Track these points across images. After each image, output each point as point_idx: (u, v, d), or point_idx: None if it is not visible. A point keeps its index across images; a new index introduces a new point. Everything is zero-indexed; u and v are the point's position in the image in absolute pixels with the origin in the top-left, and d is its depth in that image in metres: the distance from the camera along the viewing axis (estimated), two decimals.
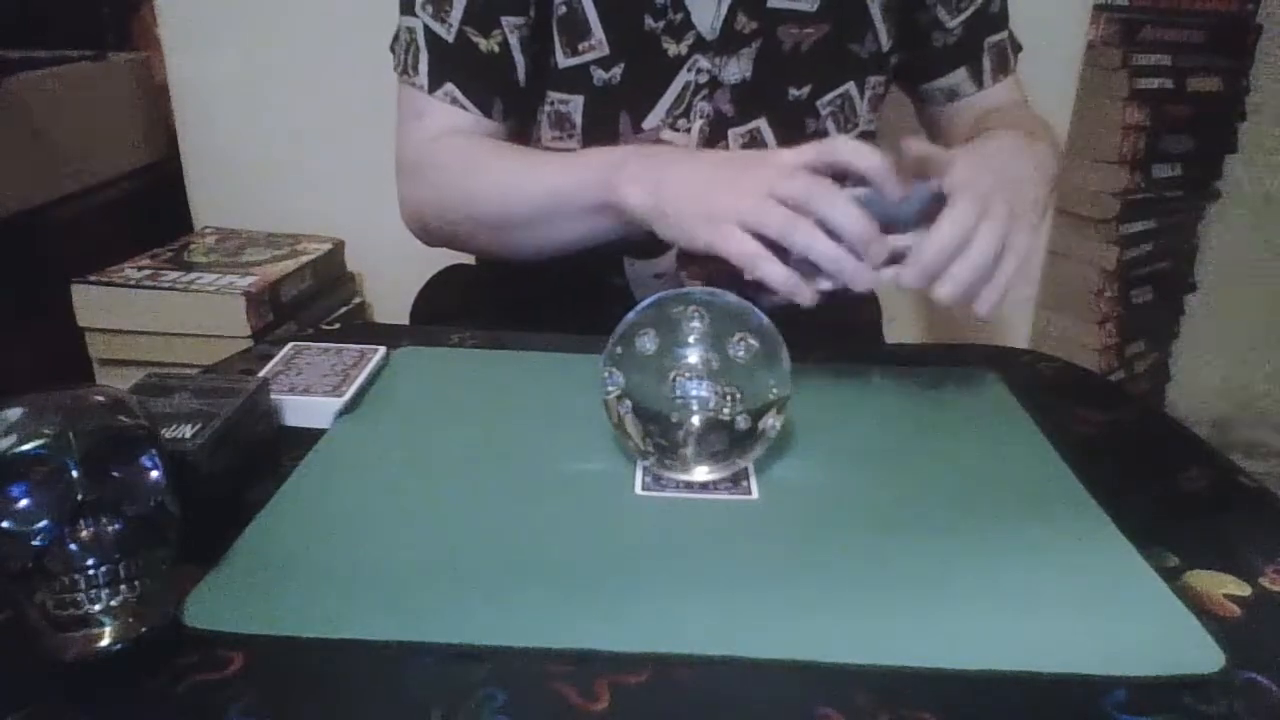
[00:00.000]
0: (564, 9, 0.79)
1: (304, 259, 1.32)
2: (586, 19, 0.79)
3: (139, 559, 0.41)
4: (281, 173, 1.43)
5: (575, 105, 0.82)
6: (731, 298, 0.57)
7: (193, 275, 1.22)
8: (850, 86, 0.84)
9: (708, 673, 0.41)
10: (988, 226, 0.58)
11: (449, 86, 0.80)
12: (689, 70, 0.80)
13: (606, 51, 0.80)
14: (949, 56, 0.88)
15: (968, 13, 0.86)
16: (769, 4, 0.79)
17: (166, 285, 1.19)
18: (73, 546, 0.40)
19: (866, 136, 0.88)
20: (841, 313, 0.75)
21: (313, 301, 1.33)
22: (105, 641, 0.40)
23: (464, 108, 0.81)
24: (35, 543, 0.40)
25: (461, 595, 0.45)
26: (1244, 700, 0.40)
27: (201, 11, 1.38)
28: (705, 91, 0.81)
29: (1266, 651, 0.43)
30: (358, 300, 1.45)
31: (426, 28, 0.80)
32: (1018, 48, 0.91)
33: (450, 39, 0.79)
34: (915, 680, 0.41)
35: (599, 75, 0.80)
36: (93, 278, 1.20)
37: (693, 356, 0.53)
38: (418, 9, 0.80)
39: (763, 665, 0.41)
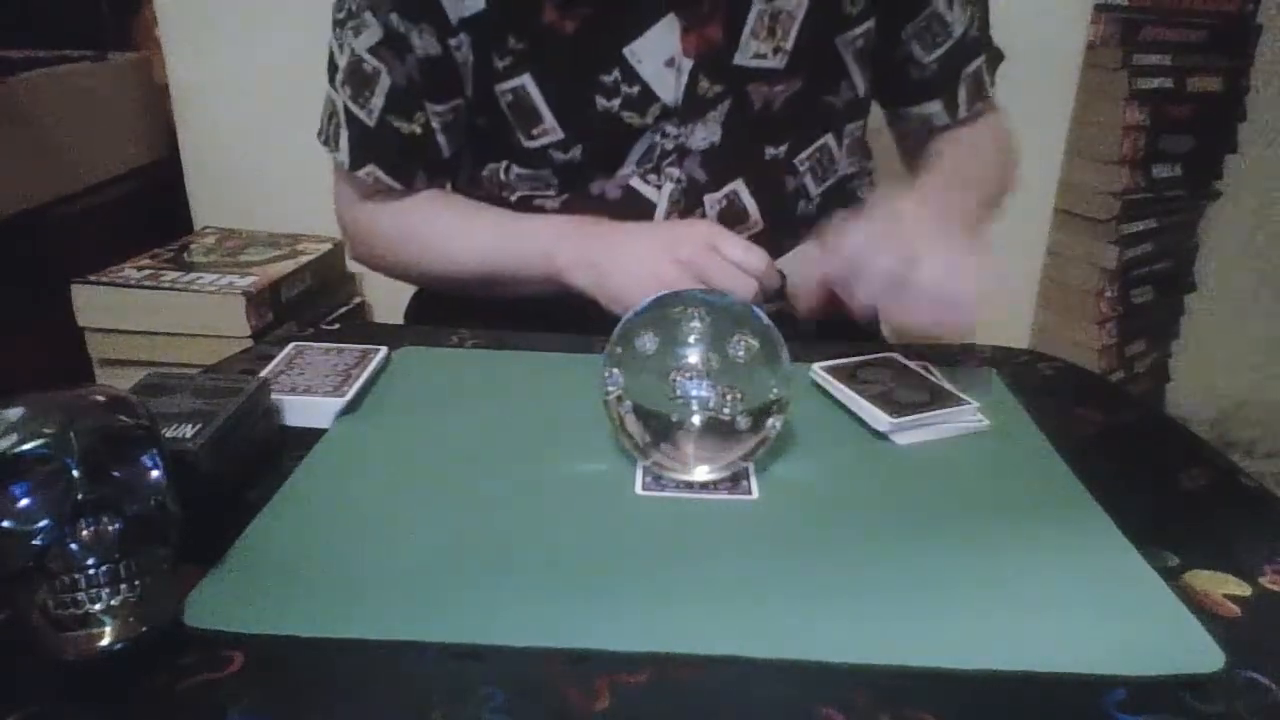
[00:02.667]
0: (510, 97, 0.77)
1: (304, 259, 1.32)
2: (535, 106, 0.77)
3: (139, 558, 0.41)
4: (281, 173, 1.44)
5: (546, 173, 0.81)
6: (731, 298, 0.57)
7: (193, 275, 1.22)
8: (828, 138, 0.82)
9: (708, 673, 0.41)
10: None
11: (370, 168, 0.81)
12: (653, 132, 0.78)
13: (561, 135, 0.78)
14: (924, 89, 0.86)
15: (944, 48, 0.83)
16: (735, 62, 0.76)
17: (166, 285, 1.20)
18: (73, 546, 0.40)
19: (847, 179, 0.87)
20: (842, 313, 0.75)
21: (313, 301, 1.33)
22: (106, 641, 0.40)
23: (388, 186, 0.82)
24: (36, 542, 0.40)
25: (461, 595, 0.45)
26: (1244, 700, 0.40)
27: (201, 11, 1.38)
28: (673, 157, 0.79)
29: (1266, 651, 0.43)
30: (358, 300, 1.46)
31: (347, 108, 0.79)
32: (997, 60, 0.88)
33: (371, 124, 0.79)
34: (915, 680, 0.41)
35: (558, 157, 0.79)
36: (93, 278, 1.21)
37: (693, 356, 0.53)
38: (337, 86, 0.79)
39: (763, 665, 0.41)
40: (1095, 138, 1.60)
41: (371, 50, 0.76)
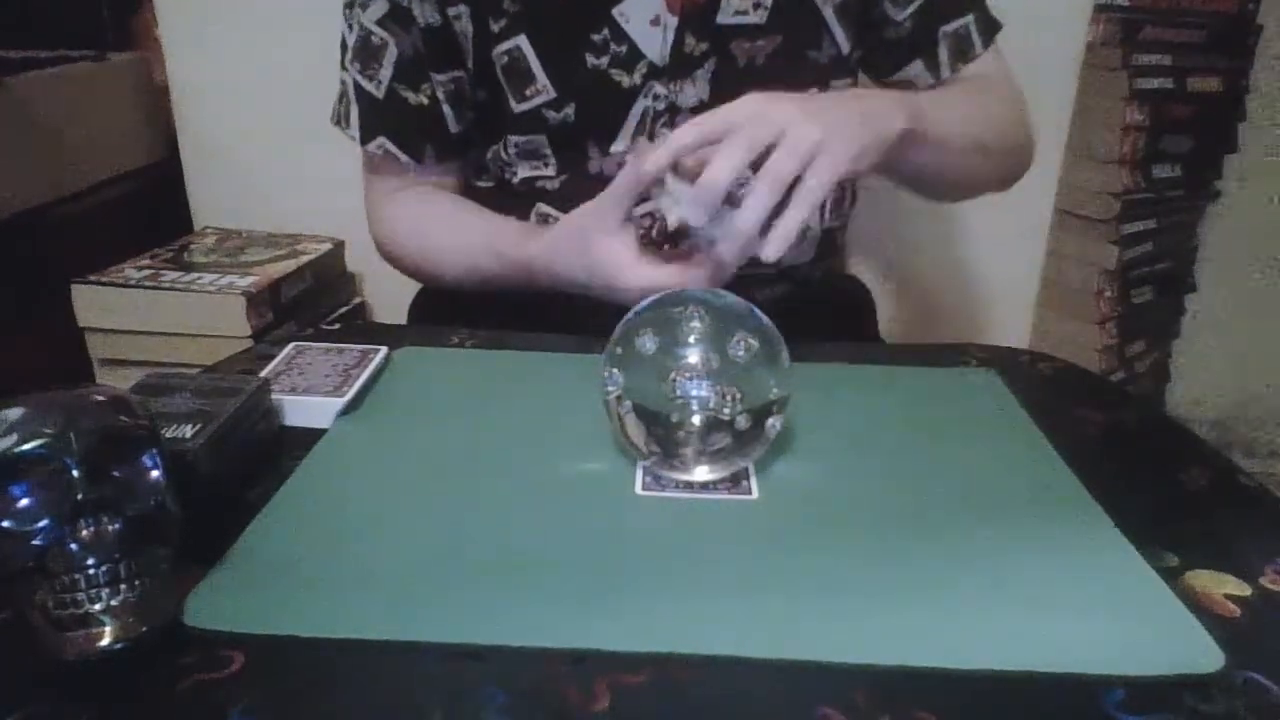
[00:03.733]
0: (506, 59, 0.80)
1: (304, 259, 1.32)
2: (529, 66, 0.79)
3: (139, 558, 0.42)
4: (281, 173, 1.43)
5: (542, 141, 0.82)
6: (731, 298, 0.57)
7: (193, 275, 1.22)
8: (813, 93, 0.82)
9: (708, 672, 0.41)
10: (770, 173, 0.60)
11: (381, 140, 0.84)
12: (645, 97, 0.80)
13: (554, 95, 0.80)
14: (902, 49, 0.86)
15: (916, 3, 0.83)
16: (718, 21, 0.78)
17: (166, 285, 1.20)
18: (73, 546, 0.40)
19: None
20: (842, 313, 0.75)
21: (313, 301, 1.33)
22: (106, 641, 0.40)
23: (397, 158, 0.84)
24: (36, 542, 0.40)
25: (461, 595, 0.45)
26: (1244, 700, 0.40)
27: (201, 11, 1.38)
28: (665, 118, 0.80)
29: (1266, 651, 0.43)
30: (358, 300, 1.46)
31: (356, 83, 0.83)
32: (992, 27, 0.87)
33: (380, 95, 0.82)
34: (915, 680, 0.41)
35: (552, 116, 0.80)
36: (93, 278, 1.20)
37: (693, 356, 0.53)
38: (347, 65, 0.83)
39: (763, 665, 0.41)
40: (1095, 138, 1.60)
41: (379, 23, 0.80)
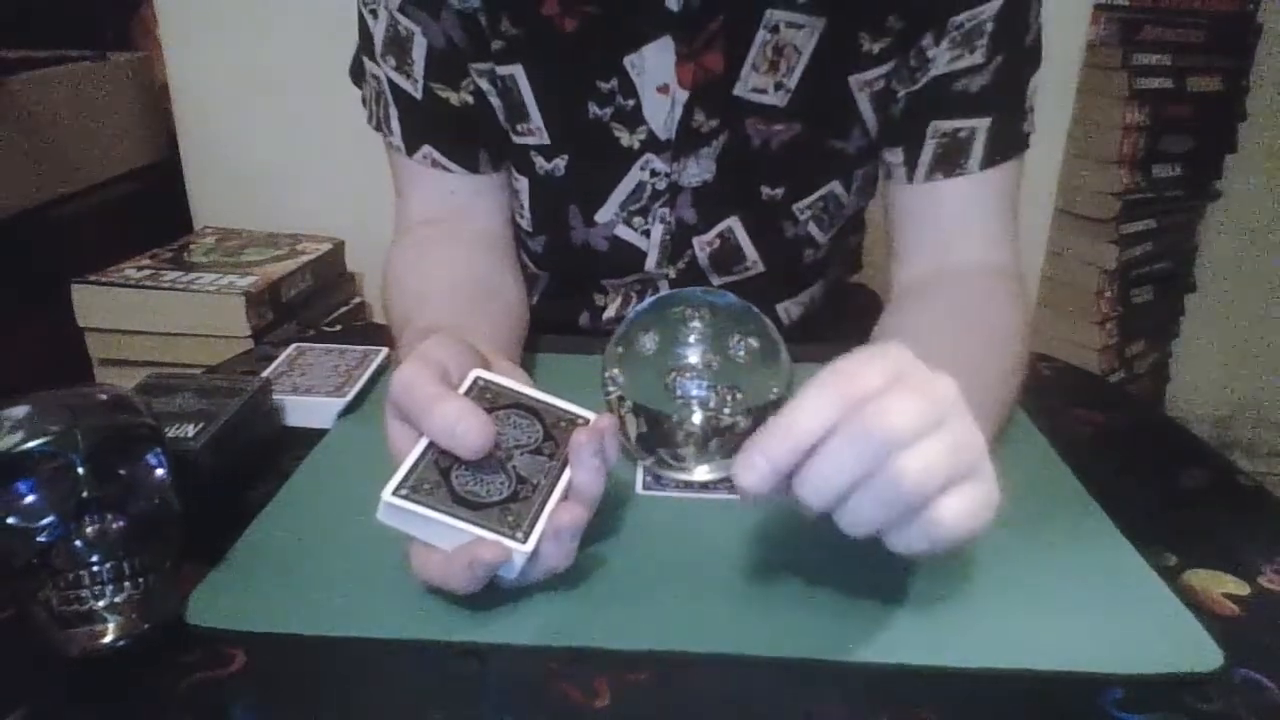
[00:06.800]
0: (500, 84, 0.70)
1: (304, 259, 1.32)
2: (522, 101, 0.70)
3: (143, 556, 0.42)
4: (281, 173, 1.44)
5: (523, 186, 0.74)
6: (731, 298, 0.57)
7: (193, 275, 1.22)
8: (834, 185, 0.73)
9: (708, 671, 0.41)
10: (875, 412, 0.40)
11: (427, 149, 0.72)
12: (642, 169, 0.71)
13: (547, 140, 0.71)
14: (891, 131, 0.71)
15: (917, 85, 0.68)
16: (734, 93, 0.68)
17: (166, 285, 1.20)
18: (77, 543, 0.40)
19: (856, 217, 0.82)
20: (853, 319, 0.73)
21: (313, 301, 1.33)
22: (109, 638, 0.40)
23: (446, 169, 0.73)
24: (40, 539, 0.40)
25: (461, 595, 0.45)
26: (1243, 699, 0.40)
27: (201, 11, 1.38)
28: (665, 197, 0.72)
29: (1265, 650, 0.43)
30: (358, 300, 1.46)
31: (391, 81, 0.71)
32: (1011, 143, 0.68)
33: (419, 95, 0.70)
34: (915, 680, 0.41)
35: (540, 164, 0.72)
36: (93, 278, 1.21)
37: (693, 356, 0.53)
38: (379, 58, 0.71)
39: (763, 664, 0.42)
40: (1095, 138, 1.60)
41: (401, 9, 0.68)
